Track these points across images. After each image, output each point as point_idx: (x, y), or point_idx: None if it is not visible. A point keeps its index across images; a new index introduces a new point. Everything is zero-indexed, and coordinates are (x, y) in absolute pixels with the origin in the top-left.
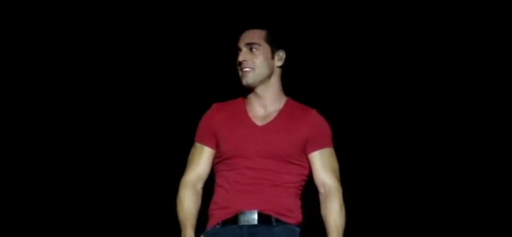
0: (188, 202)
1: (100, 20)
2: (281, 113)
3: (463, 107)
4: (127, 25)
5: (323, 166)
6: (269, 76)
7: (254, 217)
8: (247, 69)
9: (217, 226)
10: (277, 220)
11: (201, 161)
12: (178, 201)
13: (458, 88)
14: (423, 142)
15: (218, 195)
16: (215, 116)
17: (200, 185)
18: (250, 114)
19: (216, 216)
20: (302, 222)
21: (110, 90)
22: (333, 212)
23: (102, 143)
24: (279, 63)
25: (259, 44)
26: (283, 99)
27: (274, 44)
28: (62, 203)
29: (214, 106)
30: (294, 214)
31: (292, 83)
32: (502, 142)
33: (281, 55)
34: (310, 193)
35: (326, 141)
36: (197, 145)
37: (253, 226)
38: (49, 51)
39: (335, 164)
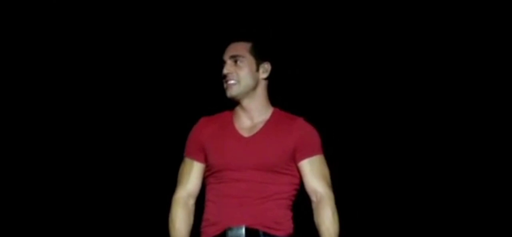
0: (179, 222)
1: (91, 31)
2: (267, 123)
3: (455, 108)
4: (121, 33)
5: (314, 174)
6: (254, 88)
7: (241, 233)
8: (231, 82)
9: None
10: (265, 234)
11: (191, 177)
12: (170, 220)
13: (450, 90)
14: (415, 147)
15: (208, 211)
16: (203, 130)
17: (191, 202)
18: (237, 126)
19: (206, 233)
20: (292, 233)
21: (102, 98)
22: (326, 220)
23: (94, 155)
24: (264, 75)
25: (243, 57)
26: (270, 110)
27: (259, 56)
28: (55, 209)
29: (202, 120)
30: (283, 227)
31: (281, 92)
32: (497, 142)
33: (266, 67)
34: (303, 203)
35: (315, 148)
36: (187, 160)
37: None
38: (35, 60)
39: (325, 171)
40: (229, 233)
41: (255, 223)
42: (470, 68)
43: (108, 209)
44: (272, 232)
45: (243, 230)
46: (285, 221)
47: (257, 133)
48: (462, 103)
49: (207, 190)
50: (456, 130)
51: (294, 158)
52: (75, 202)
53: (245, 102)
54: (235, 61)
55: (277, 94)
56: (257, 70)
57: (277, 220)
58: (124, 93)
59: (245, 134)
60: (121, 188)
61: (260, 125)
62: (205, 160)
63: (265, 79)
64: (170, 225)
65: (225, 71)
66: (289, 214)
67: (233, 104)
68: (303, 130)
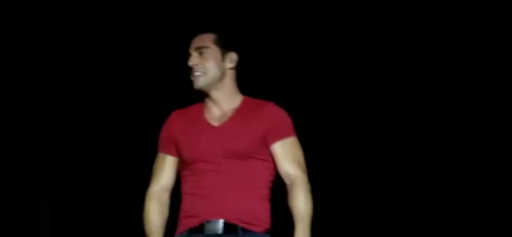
0: (153, 215)
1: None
2: (237, 111)
3: (451, 106)
4: (95, 31)
5: (286, 157)
6: (221, 78)
7: (219, 227)
8: (198, 73)
9: (184, 234)
10: (243, 229)
11: (164, 171)
12: (144, 215)
13: (447, 86)
14: (411, 146)
15: (185, 203)
16: (174, 123)
17: (166, 195)
18: (207, 117)
19: (184, 224)
20: (270, 228)
21: (78, 95)
22: (298, 202)
23: (75, 153)
24: (231, 65)
25: (208, 48)
26: (239, 98)
27: (224, 46)
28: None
29: (173, 114)
30: (261, 222)
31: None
32: (497, 142)
33: (232, 57)
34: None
35: (286, 130)
36: (160, 155)
37: (219, 235)
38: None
39: (298, 153)
40: (207, 226)
41: (233, 217)
42: (466, 68)
43: (85, 206)
44: (250, 227)
45: (221, 224)
46: (263, 216)
47: (226, 121)
48: (454, 102)
49: (183, 183)
50: (450, 127)
51: (266, 143)
52: (50, 197)
53: (213, 93)
54: (200, 53)
55: (273, 92)
56: (223, 60)
57: (256, 215)
58: (99, 89)
59: (215, 123)
60: (96, 184)
61: (230, 114)
62: (178, 154)
63: (232, 68)
64: (145, 219)
65: (190, 63)
66: (267, 207)
67: (204, 96)
68: (273, 113)
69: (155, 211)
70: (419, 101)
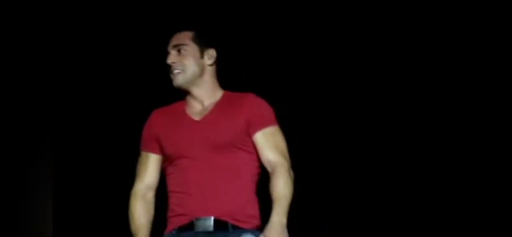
0: (138, 213)
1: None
2: (217, 104)
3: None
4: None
5: (267, 145)
6: (201, 75)
7: (210, 224)
8: (177, 71)
9: (173, 232)
10: (233, 226)
11: (148, 170)
12: (129, 214)
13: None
14: (411, 147)
15: (173, 201)
16: (156, 121)
17: (150, 194)
18: (189, 112)
19: (173, 222)
20: (260, 225)
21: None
22: (277, 187)
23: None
24: (210, 62)
25: (186, 45)
26: (220, 93)
27: (202, 43)
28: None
29: (154, 112)
30: (251, 218)
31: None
32: (497, 142)
33: (211, 53)
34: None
35: (267, 119)
36: (143, 154)
37: (209, 233)
38: None
39: (280, 142)
40: (197, 223)
41: (223, 214)
42: (466, 68)
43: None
44: (240, 224)
45: (212, 221)
46: (253, 212)
47: (207, 114)
48: (454, 102)
49: (168, 181)
50: (450, 127)
51: (248, 133)
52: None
53: (194, 90)
54: (179, 50)
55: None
56: (202, 57)
57: (245, 211)
58: (85, 88)
59: (197, 118)
60: (80, 185)
61: (210, 107)
62: (161, 151)
63: (211, 65)
64: (130, 218)
65: (169, 61)
66: (255, 200)
67: (185, 94)
68: (253, 103)
69: (140, 210)
70: (419, 101)
